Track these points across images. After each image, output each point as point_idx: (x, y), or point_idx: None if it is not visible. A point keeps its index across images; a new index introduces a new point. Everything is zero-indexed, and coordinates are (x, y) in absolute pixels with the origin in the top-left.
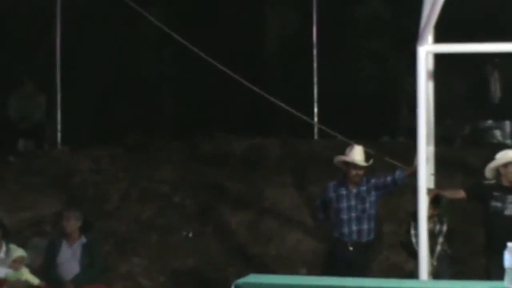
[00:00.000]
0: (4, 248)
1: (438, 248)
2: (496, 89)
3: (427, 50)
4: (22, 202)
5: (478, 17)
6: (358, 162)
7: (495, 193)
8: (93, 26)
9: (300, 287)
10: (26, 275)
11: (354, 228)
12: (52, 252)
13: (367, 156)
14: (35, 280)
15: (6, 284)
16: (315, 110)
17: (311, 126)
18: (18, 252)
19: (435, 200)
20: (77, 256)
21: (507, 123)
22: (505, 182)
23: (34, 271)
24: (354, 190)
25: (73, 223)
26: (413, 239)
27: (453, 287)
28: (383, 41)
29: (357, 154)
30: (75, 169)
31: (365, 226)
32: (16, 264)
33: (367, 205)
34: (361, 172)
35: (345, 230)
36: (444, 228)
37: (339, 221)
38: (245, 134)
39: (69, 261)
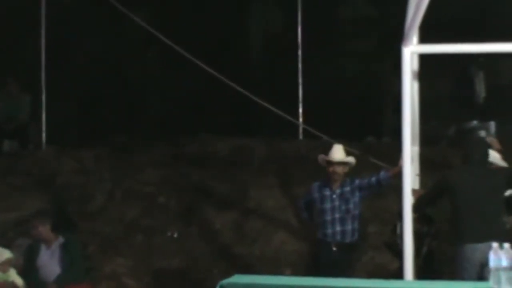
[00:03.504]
0: None
1: (425, 249)
2: (481, 89)
3: (412, 51)
4: (7, 203)
5: (463, 18)
6: (332, 158)
7: None
8: (78, 26)
9: (285, 287)
10: (13, 276)
11: (338, 229)
12: (31, 256)
13: (350, 155)
14: (21, 282)
15: None
16: (300, 110)
17: (296, 127)
18: (5, 254)
19: None
20: (57, 257)
21: (492, 123)
22: None
23: (18, 272)
24: (337, 191)
25: (41, 230)
26: (399, 240)
27: None
28: (368, 42)
29: (334, 152)
30: (59, 170)
31: (349, 227)
32: (4, 266)
33: (351, 205)
34: (338, 169)
35: (329, 231)
36: (432, 229)
37: (323, 222)
38: (230, 134)
39: (49, 262)
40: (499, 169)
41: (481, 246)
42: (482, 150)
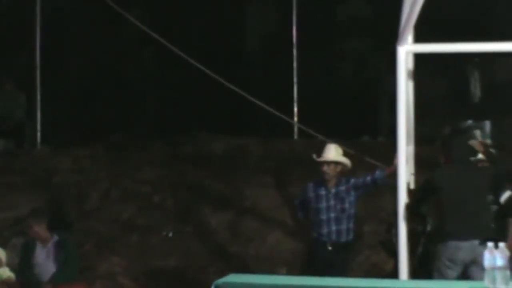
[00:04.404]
0: None
1: (420, 248)
2: (476, 89)
3: (407, 50)
4: (2, 202)
5: (458, 17)
6: (322, 158)
7: None
8: (73, 25)
9: (280, 287)
10: (7, 274)
11: (333, 228)
12: (26, 254)
13: (345, 155)
14: (14, 277)
15: None
16: (295, 109)
17: (291, 126)
18: None
19: None
20: (52, 256)
21: (487, 123)
22: None
23: (12, 271)
24: (333, 190)
25: (36, 230)
26: (394, 239)
27: (434, 287)
28: (364, 41)
29: (326, 151)
30: (55, 169)
31: (344, 226)
32: None
33: (346, 205)
34: (328, 168)
35: (324, 230)
36: (428, 228)
37: (318, 221)
38: (226, 134)
39: (45, 261)
40: (485, 167)
41: (464, 244)
42: (467, 148)
